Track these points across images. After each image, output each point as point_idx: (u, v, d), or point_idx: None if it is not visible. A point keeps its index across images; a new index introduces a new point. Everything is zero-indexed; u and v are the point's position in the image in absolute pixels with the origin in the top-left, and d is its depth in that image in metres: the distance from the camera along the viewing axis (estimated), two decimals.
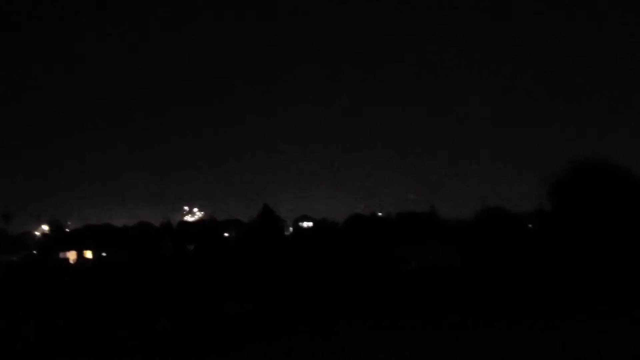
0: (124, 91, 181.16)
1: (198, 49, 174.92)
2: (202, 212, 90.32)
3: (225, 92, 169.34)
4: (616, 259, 30.63)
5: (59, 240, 73.97)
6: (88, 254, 69.95)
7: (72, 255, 69.49)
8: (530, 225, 43.96)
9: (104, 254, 65.22)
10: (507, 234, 39.91)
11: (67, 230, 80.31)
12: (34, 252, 71.52)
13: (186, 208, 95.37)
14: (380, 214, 67.82)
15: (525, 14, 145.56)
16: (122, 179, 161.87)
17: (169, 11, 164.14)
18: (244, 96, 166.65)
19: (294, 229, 75.47)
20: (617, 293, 21.51)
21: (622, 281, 25.28)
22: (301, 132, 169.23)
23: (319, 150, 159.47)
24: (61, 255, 67.95)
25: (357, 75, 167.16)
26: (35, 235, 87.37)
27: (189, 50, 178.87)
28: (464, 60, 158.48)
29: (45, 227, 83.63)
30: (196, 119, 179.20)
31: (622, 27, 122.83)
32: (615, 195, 35.32)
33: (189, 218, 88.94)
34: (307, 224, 75.75)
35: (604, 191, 35.33)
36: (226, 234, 68.35)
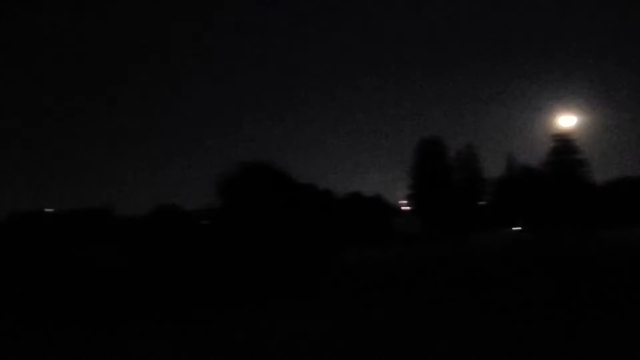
0: None
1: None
2: None
3: None
4: (274, 254, 33.81)
5: None
6: None
7: None
8: (205, 222, 45.70)
9: None
10: (180, 231, 40.51)
11: None
12: None
13: None
14: (49, 210, 62.14)
15: None
16: None
17: None
18: None
19: None
20: (267, 284, 23.65)
21: (276, 273, 27.85)
22: None
23: None
24: None
25: None
26: None
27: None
28: None
29: None
30: None
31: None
32: (278, 196, 39.11)
33: None
34: None
35: (267, 191, 38.78)
36: None
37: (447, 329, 12.46)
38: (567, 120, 64.51)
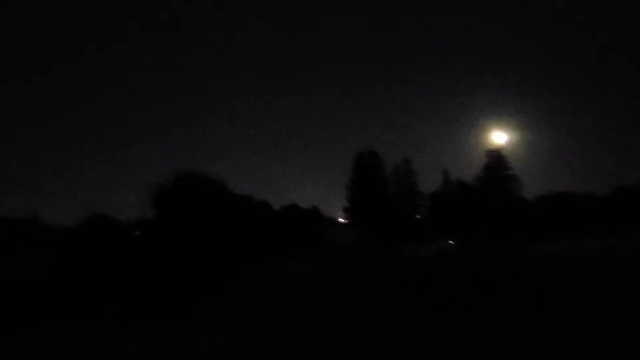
0: None
1: None
2: None
3: None
4: (207, 263, 33.48)
5: None
6: None
7: None
8: (137, 233, 44.70)
9: None
10: (111, 242, 39.52)
11: None
12: None
13: None
14: None
15: None
16: None
17: None
18: None
19: None
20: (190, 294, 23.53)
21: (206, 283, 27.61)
22: None
23: None
24: None
25: None
26: None
27: None
28: None
29: None
30: None
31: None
32: (211, 204, 38.80)
33: None
34: None
35: (201, 200, 38.41)
36: None
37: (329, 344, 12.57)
38: (500, 137, 67.04)
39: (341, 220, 62.06)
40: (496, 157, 64.35)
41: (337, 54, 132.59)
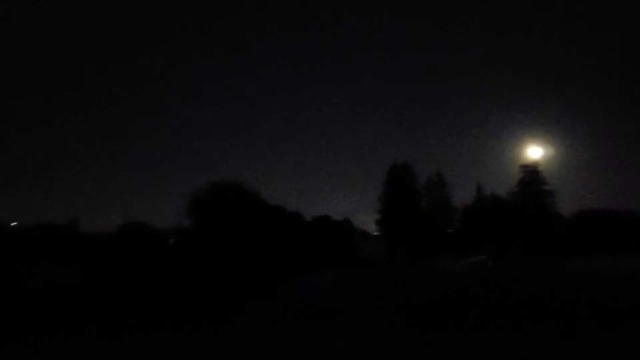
0: None
1: None
2: None
3: None
4: (242, 272, 33.84)
5: None
6: None
7: None
8: (172, 241, 45.44)
9: None
10: (146, 249, 40.25)
11: None
12: None
13: None
14: (13, 223, 61.18)
15: None
16: None
17: None
18: None
19: None
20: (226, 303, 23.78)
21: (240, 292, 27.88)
22: None
23: None
24: None
25: None
26: None
27: None
28: None
29: None
30: None
31: None
32: (246, 214, 39.26)
33: None
34: None
35: (236, 210, 38.91)
36: None
37: None
38: (536, 152, 66.03)
39: (373, 233, 61.98)
40: (531, 171, 63.36)
41: (373, 67, 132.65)
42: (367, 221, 64.64)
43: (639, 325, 15.24)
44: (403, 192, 57.85)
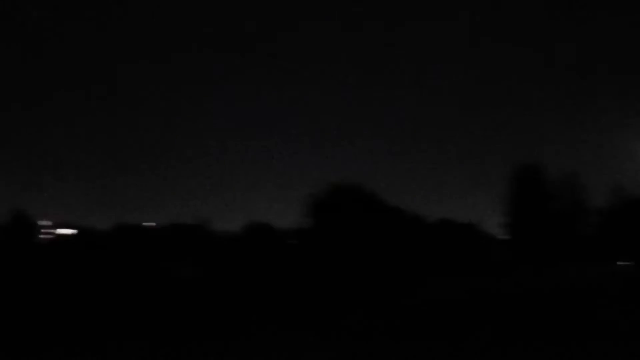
0: None
1: None
2: None
3: None
4: (364, 273, 33.53)
5: None
6: None
7: None
8: (294, 241, 46.36)
9: None
10: (271, 249, 41.28)
11: None
12: None
13: None
14: (150, 224, 65.60)
15: None
16: None
17: None
18: None
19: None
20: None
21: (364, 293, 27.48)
22: None
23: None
24: None
25: None
26: None
27: None
28: None
29: None
30: None
31: None
32: (365, 216, 38.99)
33: None
34: (68, 231, 69.55)
35: (356, 212, 38.76)
36: None
37: None
38: None
39: (499, 236, 58.98)
40: None
41: (501, 67, 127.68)
42: (493, 224, 61.80)
43: None
44: (531, 193, 54.57)
